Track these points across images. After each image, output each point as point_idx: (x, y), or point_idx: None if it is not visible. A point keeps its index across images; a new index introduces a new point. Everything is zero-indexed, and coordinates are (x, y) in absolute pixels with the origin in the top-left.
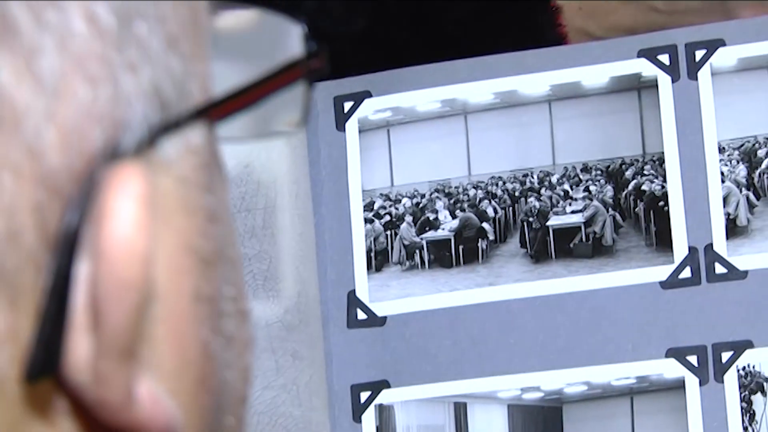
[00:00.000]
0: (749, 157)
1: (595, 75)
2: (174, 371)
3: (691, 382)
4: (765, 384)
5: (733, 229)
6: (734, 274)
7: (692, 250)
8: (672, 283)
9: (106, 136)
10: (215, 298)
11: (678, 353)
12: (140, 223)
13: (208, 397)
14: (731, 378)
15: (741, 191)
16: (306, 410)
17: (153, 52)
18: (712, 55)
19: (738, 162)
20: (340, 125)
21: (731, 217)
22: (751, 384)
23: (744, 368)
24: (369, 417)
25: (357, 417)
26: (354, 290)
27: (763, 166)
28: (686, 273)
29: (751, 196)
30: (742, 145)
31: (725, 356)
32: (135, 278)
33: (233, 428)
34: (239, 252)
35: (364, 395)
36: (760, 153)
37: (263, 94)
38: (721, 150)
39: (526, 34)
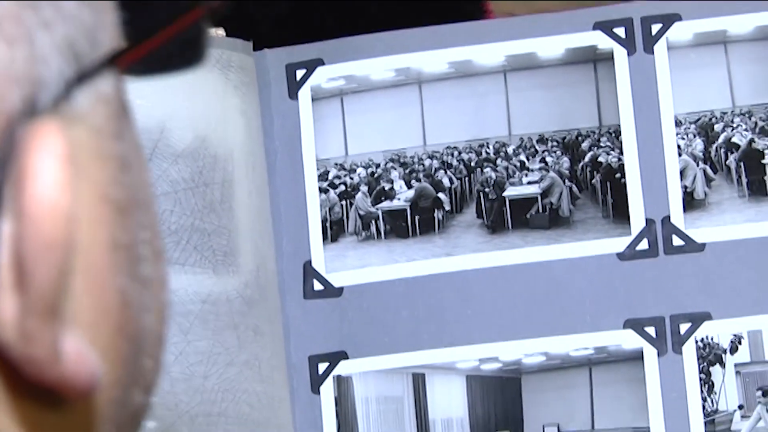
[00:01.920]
0: (706, 132)
1: (551, 46)
2: (92, 321)
3: (650, 353)
4: (723, 355)
5: (690, 203)
6: (691, 246)
7: (649, 222)
8: (629, 254)
9: (23, 95)
10: (131, 245)
11: (636, 324)
12: (62, 182)
13: (126, 344)
14: (689, 349)
15: (698, 165)
16: (268, 385)
17: (66, 8)
18: (668, 29)
19: (695, 136)
20: (293, 94)
21: (688, 190)
22: (709, 356)
23: (702, 340)
24: (327, 388)
25: (315, 388)
26: (310, 261)
27: (720, 140)
28: (643, 245)
29: (708, 170)
30: (698, 120)
31: (683, 328)
32: (59, 237)
33: (151, 370)
34: (152, 193)
35: (322, 366)
36: (717, 127)
37: (167, 37)
38: (678, 124)
39: (451, 17)
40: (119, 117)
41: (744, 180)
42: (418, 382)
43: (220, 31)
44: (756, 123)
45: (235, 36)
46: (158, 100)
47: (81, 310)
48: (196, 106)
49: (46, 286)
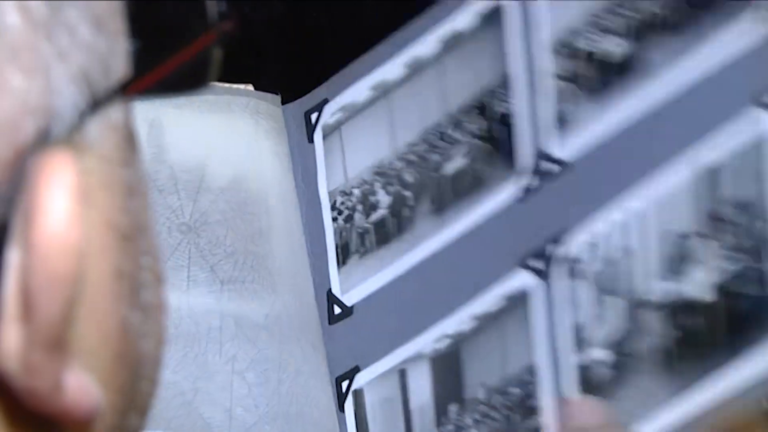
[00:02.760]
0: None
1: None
2: (93, 349)
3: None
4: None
5: None
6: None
7: None
8: None
9: (37, 126)
10: (134, 273)
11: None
12: (72, 216)
13: (125, 372)
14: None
15: None
16: (327, 396)
17: (81, 37)
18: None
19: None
20: (310, 137)
21: None
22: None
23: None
24: (349, 405)
25: (341, 407)
26: (331, 288)
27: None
28: None
29: None
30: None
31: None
32: (67, 272)
33: (148, 393)
34: (152, 218)
35: (344, 385)
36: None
37: (179, 63)
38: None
39: None
40: (127, 144)
41: None
42: (404, 378)
43: (249, 87)
44: None
45: (233, 36)
46: (197, 141)
47: (82, 337)
48: (231, 146)
49: (51, 319)
